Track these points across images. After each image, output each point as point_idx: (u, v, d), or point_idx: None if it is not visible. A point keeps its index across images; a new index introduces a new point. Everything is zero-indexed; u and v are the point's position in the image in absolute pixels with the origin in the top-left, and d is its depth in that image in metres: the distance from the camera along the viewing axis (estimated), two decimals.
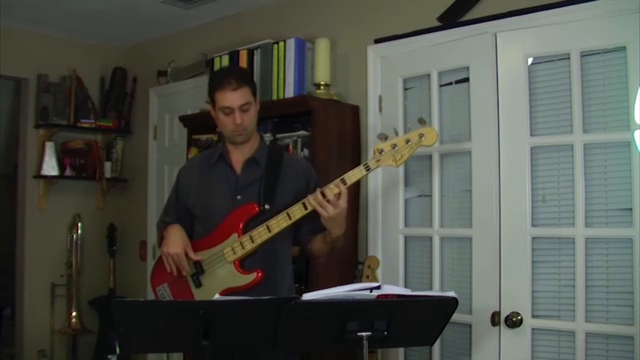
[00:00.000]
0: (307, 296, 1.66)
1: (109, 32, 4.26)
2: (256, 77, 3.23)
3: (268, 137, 3.13)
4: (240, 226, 2.18)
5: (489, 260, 2.52)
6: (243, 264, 2.18)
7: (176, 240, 2.20)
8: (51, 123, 4.12)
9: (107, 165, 4.40)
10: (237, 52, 3.31)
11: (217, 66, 3.39)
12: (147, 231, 4.28)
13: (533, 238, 2.45)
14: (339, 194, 2.04)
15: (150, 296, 4.09)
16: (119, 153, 4.49)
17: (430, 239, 2.77)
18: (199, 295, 2.23)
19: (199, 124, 3.51)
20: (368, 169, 2.08)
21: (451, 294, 1.75)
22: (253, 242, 2.14)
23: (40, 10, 3.77)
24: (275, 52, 3.15)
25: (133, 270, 4.39)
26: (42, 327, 4.16)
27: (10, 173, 4.81)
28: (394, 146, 2.07)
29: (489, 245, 2.53)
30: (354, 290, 1.70)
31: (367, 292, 1.70)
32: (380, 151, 2.08)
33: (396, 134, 2.10)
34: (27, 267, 4.14)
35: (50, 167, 4.11)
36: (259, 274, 2.15)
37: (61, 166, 4.17)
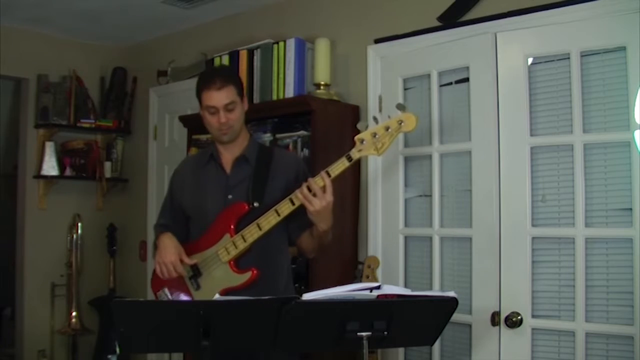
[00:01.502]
0: (307, 296, 1.66)
1: (109, 32, 4.26)
2: (256, 77, 3.24)
3: (268, 137, 3.13)
4: (232, 226, 2.19)
5: (489, 260, 2.52)
6: (238, 263, 2.19)
7: (169, 249, 2.22)
8: (51, 123, 4.12)
9: (107, 165, 4.41)
10: (237, 52, 3.31)
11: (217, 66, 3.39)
12: (147, 231, 4.27)
13: (533, 238, 2.45)
14: (324, 186, 2.05)
15: (151, 296, 4.13)
16: (119, 153, 4.49)
17: (430, 239, 2.77)
18: (198, 297, 2.24)
19: (199, 124, 3.45)
20: (350, 159, 2.08)
21: (451, 294, 1.75)
22: (245, 241, 2.15)
23: (40, 10, 3.77)
24: (275, 52, 3.15)
25: (133, 270, 4.39)
26: (42, 327, 4.16)
27: (10, 173, 4.81)
28: (374, 135, 2.06)
29: (489, 245, 2.52)
30: (354, 290, 1.70)
31: (367, 292, 1.70)
32: (362, 141, 2.07)
33: (376, 122, 2.10)
34: (27, 267, 4.14)
35: (50, 167, 4.11)
36: (254, 272, 2.16)
37: (61, 166, 4.17)
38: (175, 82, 4.08)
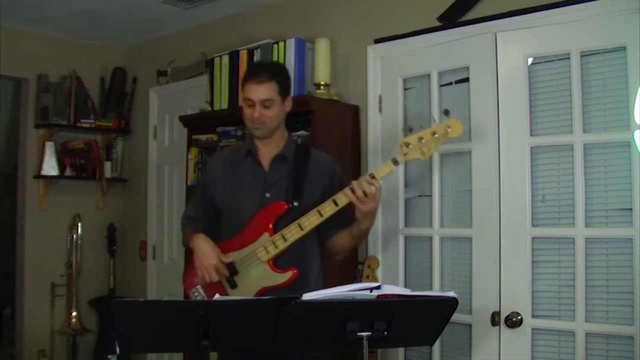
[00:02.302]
0: (307, 296, 1.65)
1: (109, 32, 4.26)
2: None
3: None
4: (271, 225, 2.18)
5: (489, 260, 2.52)
6: (276, 262, 2.19)
7: (208, 252, 2.20)
8: (51, 123, 4.12)
9: (107, 165, 4.40)
10: (237, 52, 3.31)
11: (217, 66, 3.39)
12: (147, 231, 4.28)
13: (533, 238, 2.45)
14: (376, 189, 2.06)
15: (150, 296, 4.13)
16: (119, 153, 4.48)
17: (430, 239, 2.77)
18: (234, 295, 2.23)
19: (199, 124, 3.51)
20: (396, 162, 2.11)
21: (451, 294, 1.75)
22: (286, 240, 2.15)
23: (40, 10, 3.76)
24: (275, 52, 3.15)
25: (133, 270, 4.39)
26: (42, 327, 4.15)
27: (10, 173, 4.81)
28: (420, 139, 2.09)
29: (489, 245, 2.52)
30: (354, 290, 1.70)
31: (367, 292, 1.70)
32: (407, 144, 2.10)
33: (421, 126, 2.13)
34: (27, 267, 4.14)
35: (50, 167, 4.11)
36: (295, 272, 2.16)
37: (61, 166, 4.17)
38: (175, 82, 4.08)
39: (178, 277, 3.66)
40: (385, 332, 1.68)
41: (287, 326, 1.68)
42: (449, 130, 2.08)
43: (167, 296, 4.03)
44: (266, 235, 2.18)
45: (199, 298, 2.30)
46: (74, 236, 4.28)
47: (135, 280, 4.34)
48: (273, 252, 2.16)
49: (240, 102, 2.25)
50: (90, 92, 4.37)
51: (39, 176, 4.12)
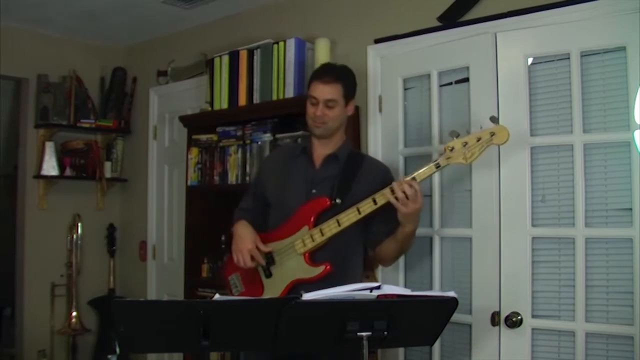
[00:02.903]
0: (307, 296, 1.65)
1: (109, 32, 4.26)
2: (256, 77, 3.23)
3: (268, 137, 3.14)
4: (312, 219, 2.21)
5: (489, 260, 2.52)
6: (313, 256, 2.21)
7: (245, 237, 2.27)
8: (51, 123, 4.11)
9: (107, 165, 4.40)
10: (237, 52, 3.31)
11: (217, 66, 3.40)
12: (147, 231, 4.28)
13: (533, 238, 2.45)
14: (416, 191, 2.06)
15: (150, 296, 4.13)
16: (119, 153, 4.48)
17: (430, 239, 2.77)
18: (268, 284, 2.28)
19: (199, 124, 3.51)
20: (438, 166, 2.11)
21: (451, 294, 1.75)
22: (323, 235, 2.18)
23: (40, 10, 3.76)
24: (275, 52, 3.15)
25: (133, 270, 4.39)
26: (42, 327, 4.15)
27: (10, 173, 4.81)
28: (464, 144, 2.10)
29: (489, 246, 2.52)
30: (354, 290, 1.70)
31: (367, 292, 1.70)
32: (451, 149, 2.10)
33: (467, 132, 2.14)
34: (27, 267, 4.14)
35: (50, 167, 4.10)
36: (327, 267, 2.18)
37: (61, 166, 4.17)
38: (175, 82, 4.08)
39: (178, 277, 3.69)
40: (385, 332, 1.68)
41: (287, 326, 1.68)
42: (494, 137, 2.08)
43: (167, 296, 4.04)
44: (306, 228, 2.22)
45: (237, 284, 2.38)
46: (74, 236, 4.28)
47: (135, 280, 4.34)
48: (310, 244, 2.19)
49: (306, 100, 2.32)
50: (90, 92, 4.37)
51: (39, 176, 4.12)
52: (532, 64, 2.50)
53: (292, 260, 2.23)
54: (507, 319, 2.44)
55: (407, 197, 2.05)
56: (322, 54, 3.04)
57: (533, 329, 2.42)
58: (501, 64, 2.54)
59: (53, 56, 4.22)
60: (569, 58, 2.39)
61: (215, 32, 3.89)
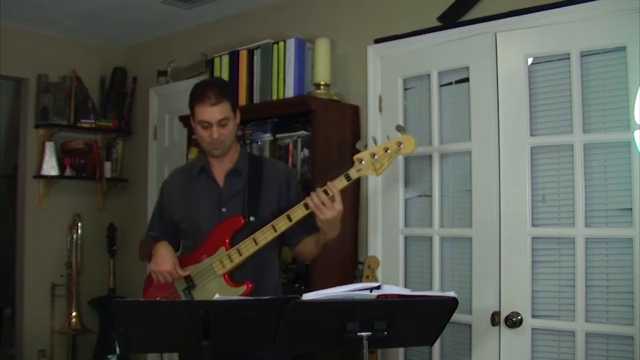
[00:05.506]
0: (307, 296, 1.66)
1: (109, 32, 4.26)
2: (256, 77, 3.23)
3: (268, 137, 3.14)
4: (227, 240, 2.20)
5: (489, 260, 2.52)
6: (233, 275, 2.21)
7: (164, 258, 2.23)
8: (51, 123, 4.12)
9: (107, 165, 4.41)
10: (237, 52, 3.31)
11: (217, 66, 3.40)
12: None
13: (533, 238, 2.45)
14: (332, 196, 2.05)
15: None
16: (119, 153, 4.49)
17: (430, 239, 2.77)
18: None
19: None
20: (349, 178, 2.09)
21: (451, 294, 1.75)
22: (241, 255, 2.17)
23: (40, 10, 3.77)
24: (275, 52, 3.15)
25: (133, 270, 4.38)
26: (42, 327, 4.15)
27: (10, 173, 4.81)
28: (373, 155, 2.08)
29: (489, 245, 2.52)
30: (354, 290, 1.70)
31: (367, 292, 1.70)
32: (360, 160, 2.09)
33: (375, 142, 2.13)
34: (27, 267, 4.14)
35: (50, 167, 4.11)
36: (249, 285, 2.18)
37: (61, 166, 4.17)
38: (175, 82, 4.08)
39: None
40: (385, 332, 1.68)
41: (287, 326, 1.68)
42: (401, 146, 2.07)
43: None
44: (223, 249, 2.20)
45: None
46: (74, 236, 4.28)
47: (135, 280, 4.33)
48: (228, 266, 2.18)
49: (192, 124, 2.26)
50: (90, 92, 4.37)
51: (39, 176, 4.12)
52: (532, 64, 2.50)
53: (213, 282, 2.21)
54: (507, 319, 2.44)
55: (322, 204, 2.04)
56: (322, 54, 3.04)
57: (533, 329, 2.42)
58: (501, 64, 2.54)
59: (53, 56, 4.22)
60: (569, 58, 2.39)
61: (215, 32, 3.89)
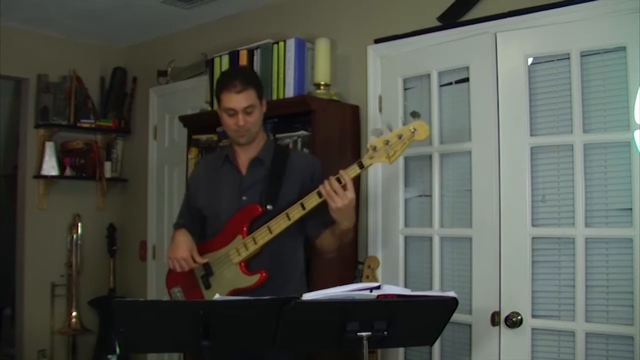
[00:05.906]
0: (307, 296, 1.66)
1: (109, 32, 4.26)
2: None
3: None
4: (245, 228, 2.21)
5: (489, 260, 2.52)
6: (249, 264, 2.21)
7: (181, 245, 2.26)
8: (51, 123, 4.12)
9: (107, 165, 4.41)
10: (237, 52, 3.31)
11: (217, 66, 3.39)
12: (147, 231, 4.28)
13: (533, 238, 2.45)
14: (345, 185, 2.04)
15: (150, 296, 4.13)
16: (119, 153, 4.49)
17: (430, 239, 2.77)
18: (208, 296, 2.27)
19: (199, 124, 3.50)
20: (362, 166, 2.08)
21: (451, 294, 1.75)
22: (256, 243, 2.17)
23: (40, 10, 3.76)
24: (275, 52, 3.15)
25: (133, 270, 4.39)
26: (42, 327, 4.15)
27: (10, 173, 4.81)
28: (386, 142, 2.06)
29: (489, 245, 2.52)
30: (354, 290, 1.70)
31: (367, 292, 1.70)
32: (374, 148, 2.08)
33: (390, 129, 2.09)
34: (27, 267, 4.14)
35: (50, 167, 4.10)
36: (263, 275, 2.18)
37: (61, 166, 4.17)
38: (175, 82, 4.08)
39: None
40: (385, 332, 1.68)
41: (287, 326, 1.68)
42: (415, 133, 2.04)
43: (167, 296, 4.03)
44: (239, 237, 2.21)
45: (178, 296, 2.35)
46: (74, 236, 4.28)
47: (135, 280, 4.34)
48: (244, 254, 2.19)
49: (218, 111, 2.27)
50: (90, 92, 4.37)
51: (39, 176, 4.12)
52: (532, 64, 2.50)
53: (229, 270, 2.22)
54: (507, 319, 2.44)
55: (334, 192, 2.03)
56: (322, 54, 3.03)
57: (533, 329, 2.42)
58: (501, 64, 2.54)
59: (53, 56, 4.22)
60: (569, 58, 2.39)
61: (215, 32, 3.89)
